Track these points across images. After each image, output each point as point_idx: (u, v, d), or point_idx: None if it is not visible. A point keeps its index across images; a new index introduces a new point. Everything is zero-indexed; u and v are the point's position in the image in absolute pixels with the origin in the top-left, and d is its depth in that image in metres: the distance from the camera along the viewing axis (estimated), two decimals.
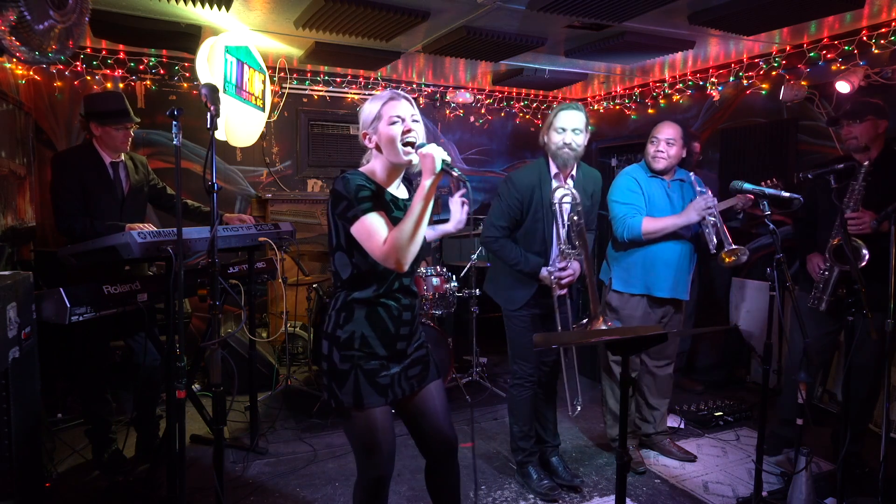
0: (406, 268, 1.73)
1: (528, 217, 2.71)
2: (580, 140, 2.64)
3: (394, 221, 1.76)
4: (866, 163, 2.79)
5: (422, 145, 1.76)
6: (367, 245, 1.73)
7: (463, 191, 2.06)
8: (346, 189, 1.75)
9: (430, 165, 1.69)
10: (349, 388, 1.81)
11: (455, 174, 1.70)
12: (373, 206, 1.74)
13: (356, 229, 1.74)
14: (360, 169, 1.89)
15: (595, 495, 2.88)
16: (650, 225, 2.90)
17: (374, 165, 1.88)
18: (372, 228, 1.71)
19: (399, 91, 1.87)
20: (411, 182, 2.01)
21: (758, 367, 4.43)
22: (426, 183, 1.69)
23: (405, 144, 1.78)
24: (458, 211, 2.10)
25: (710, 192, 2.89)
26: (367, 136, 1.85)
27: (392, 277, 1.85)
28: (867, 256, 2.66)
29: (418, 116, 1.84)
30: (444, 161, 1.70)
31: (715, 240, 2.82)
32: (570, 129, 2.62)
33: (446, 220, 2.13)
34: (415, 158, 1.80)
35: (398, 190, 1.93)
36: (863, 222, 2.72)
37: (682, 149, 3.00)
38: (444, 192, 5.04)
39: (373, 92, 5.44)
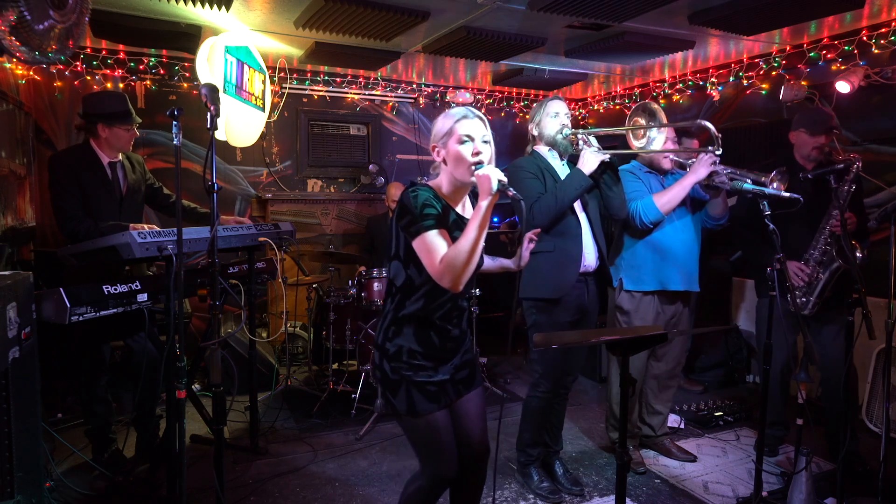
0: (461, 288, 1.73)
1: (548, 191, 2.65)
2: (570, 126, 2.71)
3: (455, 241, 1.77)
4: (858, 163, 2.81)
5: (479, 166, 1.76)
6: (426, 261, 1.75)
7: (530, 236, 2.15)
8: (413, 203, 1.76)
9: (486, 186, 1.70)
10: (402, 397, 1.86)
11: (511, 193, 1.72)
12: (435, 224, 1.75)
13: (417, 244, 1.76)
14: (430, 182, 1.90)
15: (595, 495, 2.87)
16: (662, 197, 2.85)
17: (441, 180, 1.89)
18: (431, 246, 1.73)
19: (474, 109, 1.86)
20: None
21: (758, 367, 4.44)
22: (482, 204, 1.69)
23: (471, 165, 1.78)
24: (525, 252, 2.13)
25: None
26: (437, 150, 1.86)
27: (443, 296, 1.86)
28: (860, 257, 2.69)
29: (489, 137, 1.84)
30: (500, 182, 1.70)
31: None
32: (562, 114, 2.69)
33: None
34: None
35: (465, 209, 1.94)
36: (852, 222, 2.84)
37: (676, 144, 3.07)
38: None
39: (373, 92, 5.44)
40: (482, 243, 1.71)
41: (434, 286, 1.80)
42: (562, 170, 2.73)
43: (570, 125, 2.70)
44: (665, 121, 2.70)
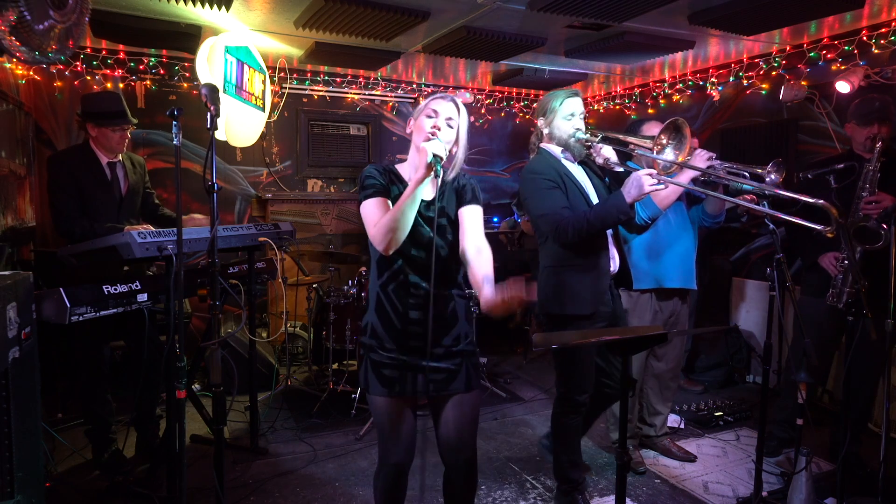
0: (390, 251, 1.80)
1: (570, 199, 2.46)
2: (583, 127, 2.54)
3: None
4: (879, 144, 2.76)
5: (434, 140, 1.82)
6: (366, 227, 1.88)
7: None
8: (361, 177, 1.95)
9: (422, 160, 1.77)
10: (362, 372, 1.97)
11: (434, 170, 1.76)
12: (374, 193, 1.88)
13: (361, 212, 1.91)
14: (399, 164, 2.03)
15: (595, 495, 2.87)
16: (659, 192, 2.61)
17: (407, 158, 2.02)
18: (367, 212, 1.87)
19: (454, 95, 1.96)
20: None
21: (758, 367, 4.44)
22: (418, 175, 1.77)
23: (425, 137, 1.86)
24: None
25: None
26: (410, 122, 1.98)
27: (393, 265, 1.90)
28: (884, 231, 2.64)
29: (456, 123, 1.91)
30: (435, 156, 1.75)
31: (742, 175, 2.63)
32: (577, 114, 2.51)
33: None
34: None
35: (426, 188, 1.89)
36: (882, 206, 2.73)
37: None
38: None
39: (373, 92, 5.45)
40: (412, 210, 1.78)
41: (380, 253, 1.88)
42: (579, 174, 2.57)
43: (583, 127, 2.52)
44: (689, 140, 2.43)
